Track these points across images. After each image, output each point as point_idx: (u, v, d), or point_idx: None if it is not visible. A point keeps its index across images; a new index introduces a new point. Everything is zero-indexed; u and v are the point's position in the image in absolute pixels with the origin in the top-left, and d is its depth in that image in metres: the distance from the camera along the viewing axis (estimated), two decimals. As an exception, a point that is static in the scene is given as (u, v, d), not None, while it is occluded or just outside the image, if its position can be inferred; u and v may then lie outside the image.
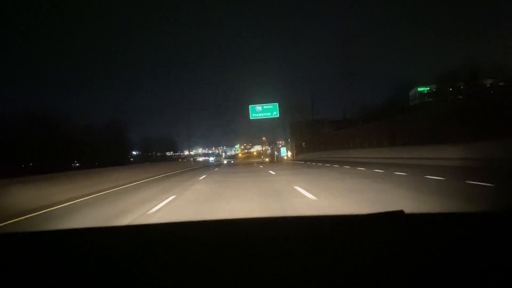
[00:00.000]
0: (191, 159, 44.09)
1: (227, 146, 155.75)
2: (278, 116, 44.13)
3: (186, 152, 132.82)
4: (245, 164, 39.21)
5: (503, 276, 0.87)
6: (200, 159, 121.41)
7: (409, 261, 0.98)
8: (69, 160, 42.43)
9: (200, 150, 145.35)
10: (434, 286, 0.86)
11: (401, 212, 1.35)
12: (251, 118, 43.50)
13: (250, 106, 43.41)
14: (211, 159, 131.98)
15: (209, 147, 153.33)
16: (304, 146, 58.68)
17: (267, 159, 79.21)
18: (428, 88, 67.76)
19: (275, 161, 61.55)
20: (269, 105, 43.58)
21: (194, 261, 1.06)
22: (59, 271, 1.05)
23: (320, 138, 46.55)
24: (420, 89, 67.82)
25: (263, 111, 43.42)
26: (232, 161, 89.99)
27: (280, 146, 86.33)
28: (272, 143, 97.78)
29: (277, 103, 43.74)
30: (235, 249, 1.15)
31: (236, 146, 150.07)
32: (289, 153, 70.60)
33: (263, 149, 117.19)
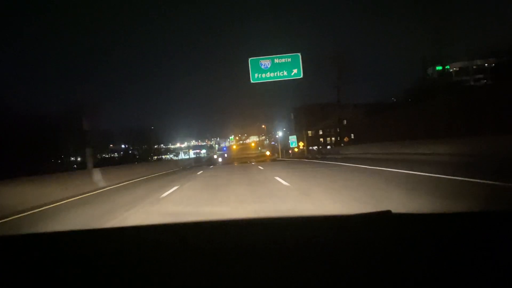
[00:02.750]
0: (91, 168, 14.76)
1: (221, 138, 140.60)
2: (301, 77, 22.64)
3: (178, 145, 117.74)
4: (242, 160, 30.69)
5: (491, 275, 0.86)
6: (191, 152, 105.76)
7: (396, 261, 0.98)
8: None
9: (192, 142, 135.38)
10: (422, 286, 0.86)
11: (389, 212, 1.34)
12: (252, 81, 22.72)
13: (250, 60, 22.64)
14: (203, 151, 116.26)
15: (202, 139, 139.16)
16: (310, 135, 45.25)
17: (267, 153, 62.01)
18: (448, 67, 59.91)
19: (279, 157, 44.09)
20: (284, 56, 22.62)
21: (184, 264, 1.05)
22: (46, 273, 1.04)
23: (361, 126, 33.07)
24: (438, 67, 57.64)
25: (274, 68, 22.50)
26: (226, 155, 72.19)
27: (278, 136, 70.45)
28: (268, 133, 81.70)
29: (298, 54, 22.69)
30: (224, 252, 1.14)
31: (230, 137, 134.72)
32: (301, 144, 53.35)
33: (260, 139, 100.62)
